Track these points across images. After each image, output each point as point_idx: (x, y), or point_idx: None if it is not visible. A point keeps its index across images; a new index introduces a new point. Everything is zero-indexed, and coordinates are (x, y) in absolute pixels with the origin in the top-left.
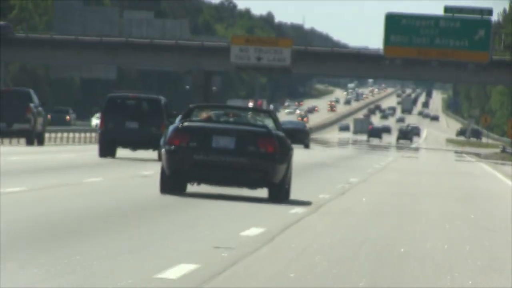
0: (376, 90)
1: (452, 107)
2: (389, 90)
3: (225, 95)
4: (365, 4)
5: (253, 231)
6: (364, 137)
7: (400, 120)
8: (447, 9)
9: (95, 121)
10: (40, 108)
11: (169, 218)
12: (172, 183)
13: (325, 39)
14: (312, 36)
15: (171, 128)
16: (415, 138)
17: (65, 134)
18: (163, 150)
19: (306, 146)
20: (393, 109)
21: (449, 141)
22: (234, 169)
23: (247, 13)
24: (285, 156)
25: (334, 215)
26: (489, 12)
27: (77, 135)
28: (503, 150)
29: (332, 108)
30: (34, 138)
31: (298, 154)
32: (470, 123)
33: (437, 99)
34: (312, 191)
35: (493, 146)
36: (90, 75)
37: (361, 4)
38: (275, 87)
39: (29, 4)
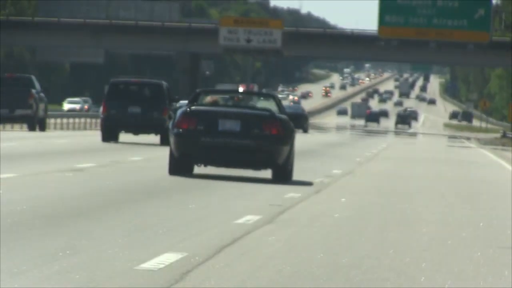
0: (372, 75)
1: (450, 91)
2: (386, 75)
3: (219, 80)
4: None
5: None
6: (362, 121)
7: (398, 103)
8: None
9: (68, 105)
10: (41, 94)
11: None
12: (180, 165)
13: (322, 24)
14: (309, 20)
15: (179, 112)
16: (413, 123)
17: (58, 120)
18: (171, 134)
19: (305, 130)
20: (390, 93)
21: (447, 125)
22: (240, 151)
23: None
24: (288, 138)
25: (295, 228)
26: None
27: (71, 120)
28: (504, 135)
29: (326, 94)
30: (36, 123)
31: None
32: (468, 107)
33: (435, 83)
34: (280, 190)
35: (492, 131)
36: (78, 59)
37: None
38: (270, 72)
39: None
